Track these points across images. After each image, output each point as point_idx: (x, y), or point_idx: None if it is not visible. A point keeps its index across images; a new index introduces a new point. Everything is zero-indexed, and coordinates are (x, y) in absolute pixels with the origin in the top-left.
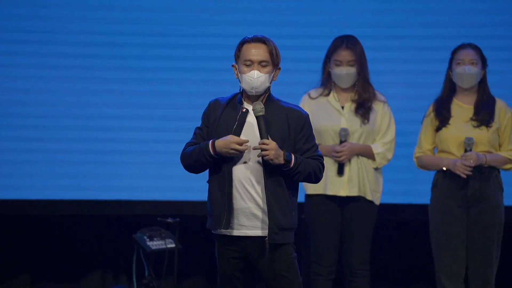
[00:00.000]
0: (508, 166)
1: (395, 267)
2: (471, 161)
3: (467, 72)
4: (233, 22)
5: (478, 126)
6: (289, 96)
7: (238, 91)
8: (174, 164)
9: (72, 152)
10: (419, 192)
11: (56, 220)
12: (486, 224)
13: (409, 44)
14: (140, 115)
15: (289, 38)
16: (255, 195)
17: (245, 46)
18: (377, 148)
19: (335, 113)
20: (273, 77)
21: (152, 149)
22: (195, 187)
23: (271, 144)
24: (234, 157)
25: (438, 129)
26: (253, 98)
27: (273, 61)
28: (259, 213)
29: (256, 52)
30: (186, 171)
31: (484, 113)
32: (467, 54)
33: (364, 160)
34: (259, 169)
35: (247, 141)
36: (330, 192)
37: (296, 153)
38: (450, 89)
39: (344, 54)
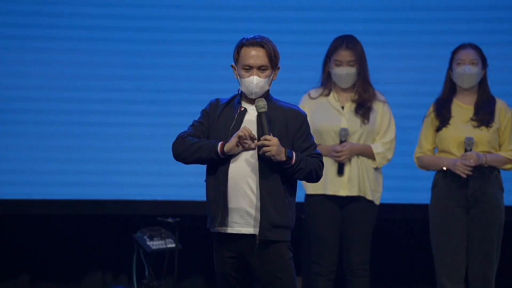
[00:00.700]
0: (508, 166)
1: (395, 267)
2: (471, 161)
3: (467, 72)
4: (232, 18)
5: (478, 126)
6: (288, 93)
7: (237, 92)
8: (175, 164)
9: (72, 152)
10: (419, 192)
11: (56, 220)
12: (486, 224)
13: (410, 40)
14: (140, 115)
15: (288, 34)
16: (249, 192)
17: (244, 50)
18: (377, 148)
19: (335, 113)
20: (272, 78)
21: (152, 149)
22: (195, 187)
23: (273, 140)
24: (230, 155)
25: (438, 129)
26: (252, 99)
27: (272, 64)
28: (252, 211)
29: (255, 57)
30: (187, 172)
31: (484, 113)
32: (467, 54)
33: (364, 160)
34: (255, 166)
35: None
36: (330, 192)
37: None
38: (450, 89)
39: (344, 54)
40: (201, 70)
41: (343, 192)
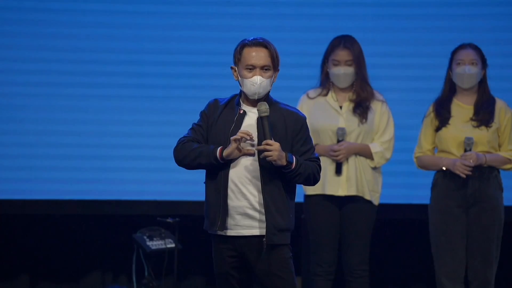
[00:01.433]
0: (508, 166)
1: (395, 267)
2: (471, 161)
3: (467, 72)
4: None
5: (478, 126)
6: (287, 95)
7: (237, 93)
8: (174, 164)
9: (72, 152)
10: (419, 192)
11: (56, 220)
12: (485, 224)
13: (408, 47)
14: (140, 115)
15: (288, 40)
16: (249, 195)
17: (246, 50)
18: (375, 147)
19: (333, 112)
20: (273, 79)
21: (152, 149)
22: (195, 187)
23: (275, 145)
24: (230, 159)
25: (438, 129)
26: (252, 101)
27: (274, 65)
28: (254, 214)
29: (258, 56)
30: (187, 172)
31: (484, 113)
32: (467, 54)
33: (362, 159)
34: (256, 170)
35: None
36: (328, 191)
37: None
38: (450, 89)
39: (342, 54)
40: (201, 68)
41: (341, 192)
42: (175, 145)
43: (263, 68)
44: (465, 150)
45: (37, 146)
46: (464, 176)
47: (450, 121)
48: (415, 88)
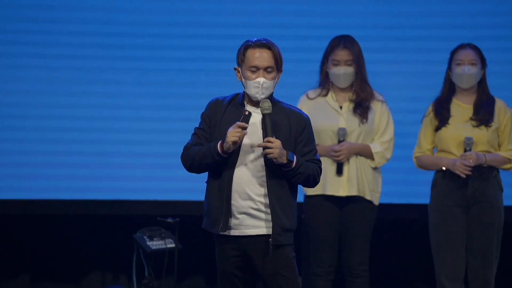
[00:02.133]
0: (507, 166)
1: (395, 267)
2: (471, 161)
3: (466, 72)
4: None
5: (477, 126)
6: (287, 95)
7: (239, 92)
8: (174, 164)
9: (72, 152)
10: (419, 192)
11: (56, 220)
12: (485, 224)
13: (409, 45)
14: (140, 115)
15: (288, 38)
16: (254, 195)
17: (250, 51)
18: (375, 147)
19: (334, 113)
20: (276, 81)
21: (152, 149)
22: (195, 187)
23: (276, 142)
24: (234, 159)
25: (437, 128)
26: (256, 102)
27: (278, 66)
28: (259, 214)
29: (262, 58)
30: (187, 172)
31: (483, 113)
32: (467, 55)
33: (362, 159)
34: (260, 170)
35: (245, 125)
36: (329, 192)
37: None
38: (449, 89)
39: (342, 54)
40: (202, 65)
41: (342, 192)
42: (181, 153)
43: (267, 69)
44: (465, 150)
45: (37, 146)
46: (464, 176)
47: (450, 121)
48: (415, 88)
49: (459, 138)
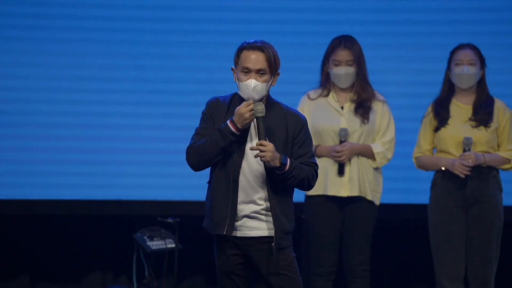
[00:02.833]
0: (507, 166)
1: (395, 267)
2: (470, 161)
3: (465, 72)
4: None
5: (476, 126)
6: (288, 96)
7: (235, 92)
8: (175, 163)
9: (72, 152)
10: (419, 192)
11: (56, 220)
12: (485, 224)
13: (409, 41)
14: (140, 114)
15: (288, 38)
16: (257, 199)
17: (244, 53)
18: (377, 147)
19: (335, 113)
20: (271, 84)
21: (152, 149)
22: (195, 187)
23: (269, 146)
24: (238, 162)
25: (437, 129)
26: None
27: (271, 69)
28: (260, 216)
29: (254, 60)
30: (187, 172)
31: (482, 113)
32: (466, 55)
33: (364, 160)
34: (262, 173)
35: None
36: (330, 192)
37: (290, 157)
38: (449, 90)
39: (343, 54)
40: (202, 71)
41: (343, 193)
42: (186, 155)
43: (259, 72)
44: (464, 150)
45: (37, 146)
46: (463, 176)
47: (449, 121)
48: (414, 88)
49: (458, 139)
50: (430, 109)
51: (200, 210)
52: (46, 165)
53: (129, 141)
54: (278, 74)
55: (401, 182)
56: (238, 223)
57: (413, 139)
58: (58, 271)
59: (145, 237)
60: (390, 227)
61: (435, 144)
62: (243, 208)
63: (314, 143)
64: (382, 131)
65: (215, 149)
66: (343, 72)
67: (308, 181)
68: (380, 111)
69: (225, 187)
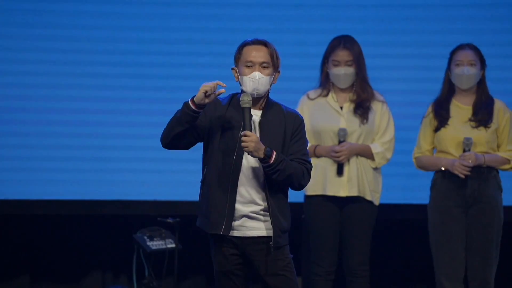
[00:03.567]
0: (506, 166)
1: (395, 267)
2: (470, 161)
3: (465, 73)
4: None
5: (476, 127)
6: (287, 96)
7: (234, 93)
8: (175, 163)
9: (72, 152)
10: (418, 192)
11: (56, 220)
12: (485, 224)
13: (409, 41)
14: (140, 115)
15: (287, 37)
16: (257, 199)
17: (246, 48)
18: (376, 148)
19: (334, 113)
20: (273, 80)
21: (152, 149)
22: (195, 187)
23: (252, 136)
24: (238, 161)
25: (436, 129)
26: (254, 101)
27: (274, 64)
28: (259, 216)
29: (257, 54)
30: (187, 172)
31: (482, 114)
32: (466, 55)
33: (363, 160)
34: (261, 174)
35: (220, 84)
36: (329, 192)
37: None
38: (449, 90)
39: (342, 54)
40: (200, 69)
41: (343, 193)
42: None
43: (262, 64)
44: (464, 151)
45: (37, 146)
46: (463, 176)
47: (449, 122)
48: (414, 87)
49: (458, 139)
50: (430, 109)
51: None
52: (46, 165)
53: (130, 140)
54: (279, 72)
55: (401, 182)
56: (237, 223)
57: (414, 139)
58: (58, 271)
59: (145, 237)
60: (390, 227)
61: (435, 145)
62: (242, 208)
63: (313, 143)
64: (381, 131)
65: (175, 123)
66: (342, 73)
67: (297, 178)
68: (379, 111)
69: (223, 186)
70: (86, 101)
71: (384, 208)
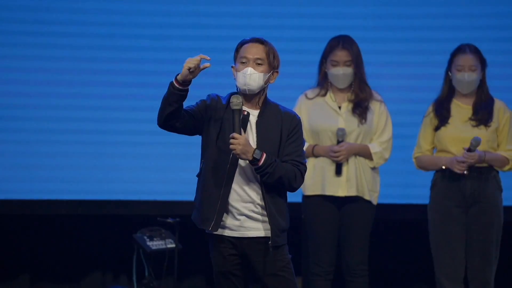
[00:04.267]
0: (506, 167)
1: (394, 267)
2: (471, 160)
3: (466, 79)
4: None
5: (477, 126)
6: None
7: (234, 91)
8: (175, 164)
9: (72, 152)
10: (418, 192)
11: (56, 220)
12: (484, 224)
13: (408, 46)
14: (140, 116)
15: (287, 36)
16: (255, 198)
17: (243, 46)
18: (374, 147)
19: (333, 113)
20: (269, 78)
21: (152, 149)
22: (195, 187)
23: (241, 139)
24: (234, 160)
25: (437, 128)
26: (249, 99)
27: (270, 62)
28: (257, 216)
29: (252, 50)
30: (187, 172)
31: (483, 113)
32: (467, 60)
33: (361, 160)
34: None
35: (204, 57)
36: (328, 192)
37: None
38: (449, 90)
39: (341, 55)
40: (202, 75)
41: (341, 193)
42: None
43: (256, 61)
44: (470, 150)
45: (37, 147)
46: (461, 172)
47: (450, 121)
48: (414, 87)
49: (458, 138)
50: (430, 108)
51: None
52: (46, 165)
53: (130, 140)
54: (277, 72)
55: (401, 182)
56: (236, 223)
57: (413, 139)
58: (58, 271)
59: (145, 237)
60: (389, 227)
61: (435, 144)
62: (241, 206)
63: (312, 142)
64: (379, 131)
65: (164, 103)
66: (341, 73)
67: (289, 181)
68: (377, 111)
69: (218, 183)
70: (86, 100)
71: (384, 208)
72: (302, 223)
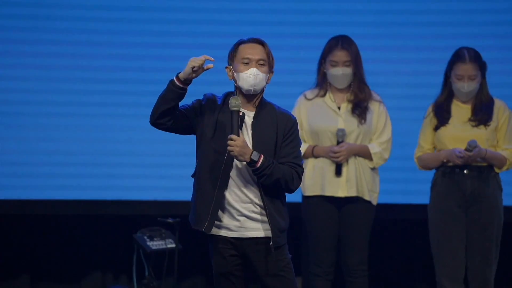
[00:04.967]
0: (504, 167)
1: (395, 267)
2: (470, 156)
3: (466, 89)
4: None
5: (476, 126)
6: (284, 93)
7: (229, 91)
8: (175, 164)
9: (72, 152)
10: (418, 192)
11: (56, 220)
12: (485, 224)
13: (408, 42)
14: (140, 115)
15: (286, 36)
16: (254, 198)
17: (242, 46)
18: (374, 148)
19: (332, 113)
20: (268, 78)
21: (152, 149)
22: None
23: (238, 140)
24: (229, 161)
25: (436, 128)
26: (247, 99)
27: (269, 62)
28: (257, 216)
29: (254, 51)
30: (187, 172)
31: (482, 114)
32: (466, 70)
33: (361, 160)
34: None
35: (208, 58)
36: (328, 193)
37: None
38: (449, 92)
39: (340, 55)
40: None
41: (341, 193)
42: None
43: (259, 62)
44: (468, 151)
45: (36, 146)
46: (459, 162)
47: (449, 121)
48: (414, 87)
49: (457, 138)
50: (430, 109)
51: None
52: (46, 165)
53: (129, 141)
54: (272, 72)
55: (401, 182)
56: (237, 224)
57: (413, 139)
58: (58, 271)
59: (145, 237)
60: (389, 227)
61: (435, 144)
62: (241, 207)
63: (311, 143)
64: (378, 131)
65: (161, 100)
66: (340, 73)
67: (286, 182)
68: (376, 111)
69: (213, 184)
70: (86, 100)
71: (384, 208)
72: (302, 223)
